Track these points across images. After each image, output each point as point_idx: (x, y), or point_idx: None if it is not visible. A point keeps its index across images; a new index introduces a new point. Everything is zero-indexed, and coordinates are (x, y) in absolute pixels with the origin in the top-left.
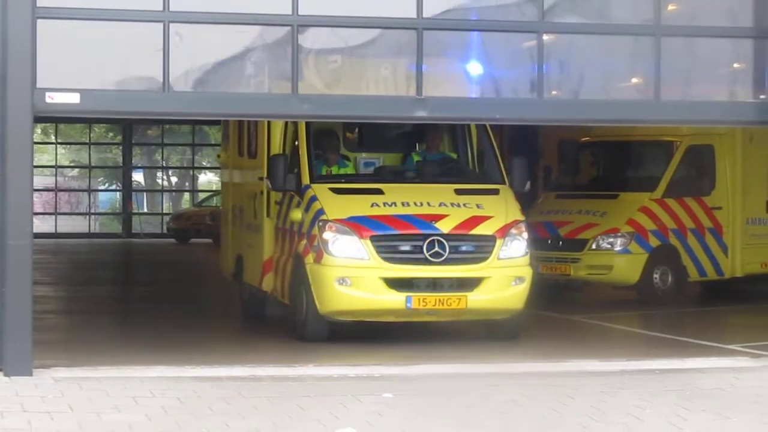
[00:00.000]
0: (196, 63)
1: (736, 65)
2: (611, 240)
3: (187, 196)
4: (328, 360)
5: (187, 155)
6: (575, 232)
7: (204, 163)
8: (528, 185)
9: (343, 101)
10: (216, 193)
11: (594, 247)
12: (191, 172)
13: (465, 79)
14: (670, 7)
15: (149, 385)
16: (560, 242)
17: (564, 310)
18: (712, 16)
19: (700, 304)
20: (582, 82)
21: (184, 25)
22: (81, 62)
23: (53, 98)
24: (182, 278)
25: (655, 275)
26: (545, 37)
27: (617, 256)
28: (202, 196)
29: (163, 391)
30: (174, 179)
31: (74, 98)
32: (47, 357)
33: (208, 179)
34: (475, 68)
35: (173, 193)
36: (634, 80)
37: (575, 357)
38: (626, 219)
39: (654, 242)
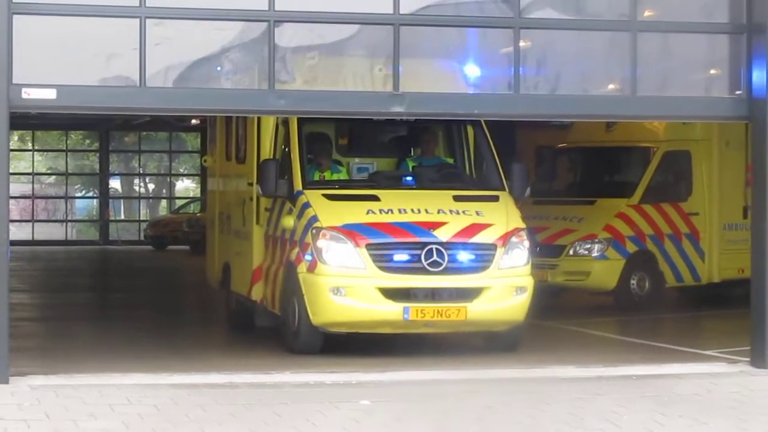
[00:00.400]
0: (172, 59)
1: (711, 61)
2: (588, 246)
3: (164, 203)
4: (304, 367)
5: (164, 162)
6: (552, 237)
7: (181, 170)
8: (528, 191)
9: (320, 97)
10: (193, 200)
11: (571, 252)
12: (168, 179)
13: (442, 75)
14: (646, 3)
15: (126, 392)
16: (537, 248)
17: (541, 316)
18: (687, 12)
19: (678, 310)
20: (559, 77)
21: (161, 21)
22: (57, 58)
23: (29, 94)
24: (159, 285)
25: (632, 281)
26: (522, 32)
27: (594, 262)
28: (179, 203)
29: (139, 399)
30: (151, 186)
31: (51, 94)
32: (24, 364)
33: (186, 186)
34: (452, 64)
35: (150, 200)
36: (611, 76)
37: (552, 363)
38: (603, 225)
39: (631, 248)
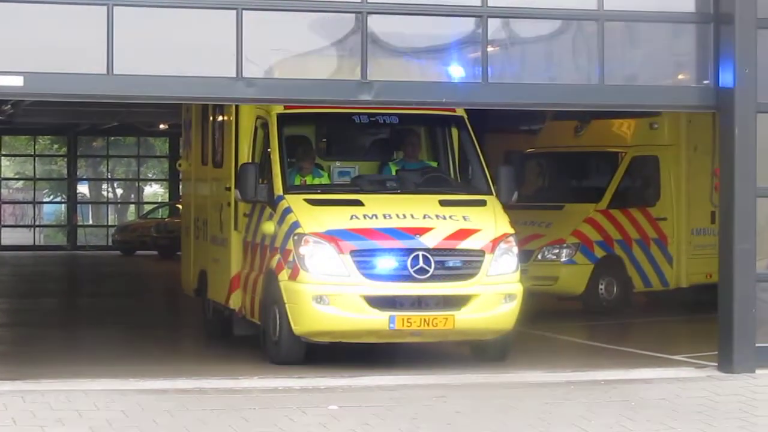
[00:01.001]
0: (140, 46)
1: (679, 51)
2: (556, 251)
3: (132, 208)
4: (273, 372)
5: (132, 167)
6: (520, 242)
7: (149, 175)
8: (516, 196)
9: (288, 85)
10: (162, 205)
11: (539, 257)
12: (137, 184)
13: (410, 64)
14: None
15: (93, 398)
16: None
17: None
18: (654, 1)
19: (646, 315)
20: (527, 66)
21: (128, 8)
22: (24, 45)
23: None
24: (127, 291)
25: (600, 286)
26: (490, 21)
27: (563, 267)
28: (147, 208)
29: (107, 404)
30: (119, 191)
31: (17, 81)
32: None
33: (154, 191)
34: (420, 53)
35: (118, 205)
36: (579, 65)
37: (521, 368)
38: (571, 230)
39: (599, 253)
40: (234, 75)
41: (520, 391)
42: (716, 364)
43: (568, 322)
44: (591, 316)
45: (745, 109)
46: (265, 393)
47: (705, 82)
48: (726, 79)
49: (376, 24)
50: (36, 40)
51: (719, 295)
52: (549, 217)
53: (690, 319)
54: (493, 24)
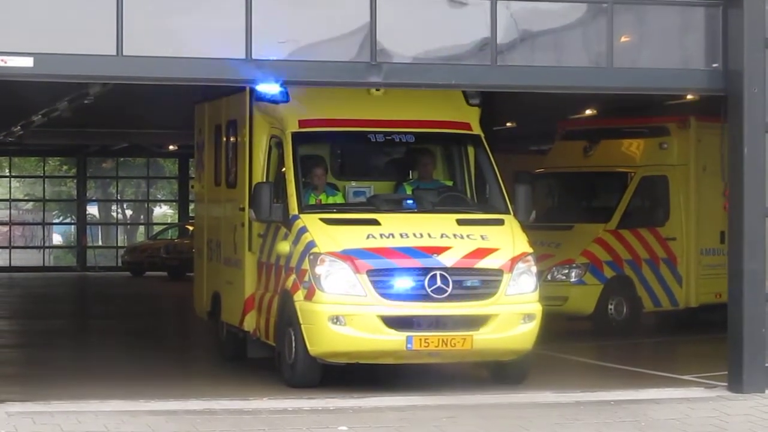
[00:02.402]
0: (149, 26)
1: (688, 34)
2: (566, 271)
3: (141, 229)
4: (283, 393)
5: (141, 188)
6: None
7: (159, 196)
8: (533, 215)
9: (297, 67)
10: (171, 225)
11: (549, 278)
12: (146, 205)
13: (419, 46)
14: None
15: (103, 419)
16: None
17: None
18: None
19: (655, 335)
20: (536, 49)
21: None
22: (34, 26)
23: (6, 62)
24: (137, 312)
25: (610, 306)
26: (500, 3)
27: (572, 287)
28: (156, 229)
29: (117, 426)
30: (129, 212)
31: (28, 62)
32: (1, 391)
33: (163, 212)
34: (429, 34)
35: (128, 226)
36: (588, 48)
37: (530, 388)
38: (581, 250)
39: (609, 273)
40: (243, 56)
41: (530, 411)
42: (726, 384)
43: (578, 342)
44: (600, 337)
45: (754, 93)
46: (274, 414)
47: (714, 65)
48: (735, 61)
49: (386, 5)
50: (46, 21)
51: (729, 314)
52: (558, 237)
53: (699, 339)
54: (503, 7)
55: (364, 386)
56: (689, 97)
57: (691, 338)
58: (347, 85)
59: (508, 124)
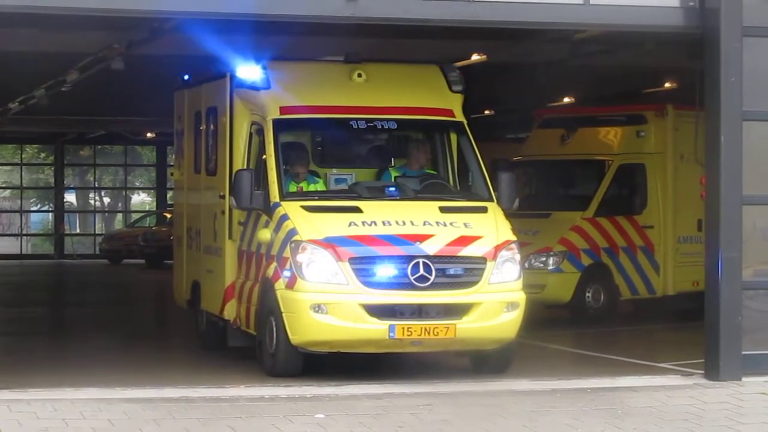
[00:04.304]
0: None
1: None
2: (543, 259)
3: (119, 216)
4: (259, 381)
5: (119, 176)
6: None
7: (136, 184)
8: (516, 203)
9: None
10: (149, 213)
11: (526, 266)
12: (124, 193)
13: None
14: None
15: (80, 406)
16: None
17: None
18: None
19: (632, 323)
20: None
21: None
22: None
23: None
24: (115, 299)
25: (587, 294)
26: None
27: (550, 275)
28: (134, 216)
29: (94, 413)
30: (106, 200)
31: None
32: None
33: (141, 200)
34: None
35: (106, 214)
36: None
37: (507, 376)
38: (558, 238)
39: (586, 261)
40: None
41: (507, 399)
42: (703, 371)
43: (555, 330)
44: (578, 324)
45: (731, 32)
46: (251, 402)
47: (690, 3)
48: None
49: None
50: None
51: (706, 302)
52: (536, 225)
53: (677, 326)
54: None
55: (340, 375)
56: (667, 84)
57: (669, 326)
58: (321, 19)
59: (486, 112)
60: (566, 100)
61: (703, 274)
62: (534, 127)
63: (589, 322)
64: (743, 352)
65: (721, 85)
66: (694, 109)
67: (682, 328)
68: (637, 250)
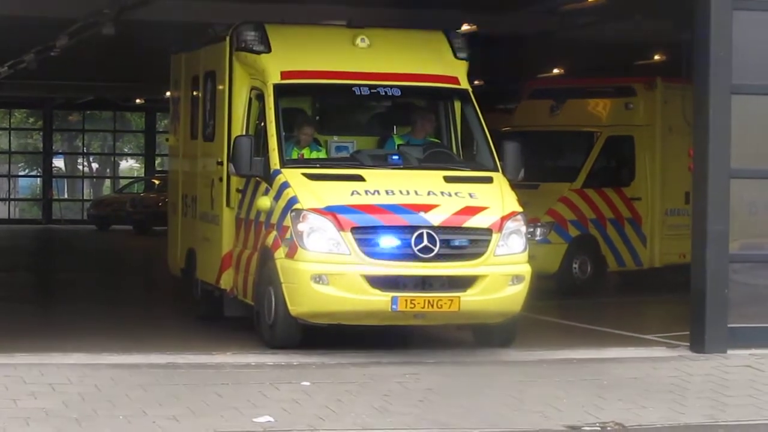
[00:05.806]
0: None
1: None
2: (531, 230)
3: (108, 182)
4: (246, 348)
5: (108, 142)
6: None
7: (125, 150)
8: (522, 173)
9: None
10: (137, 179)
11: None
12: (112, 159)
13: None
14: None
15: (66, 372)
16: None
17: None
18: None
19: (619, 295)
20: None
21: None
22: None
23: None
24: (102, 265)
25: (574, 265)
26: None
27: (537, 246)
28: (123, 182)
29: (80, 378)
30: (95, 165)
31: None
32: None
33: (130, 166)
34: None
35: (94, 180)
36: None
37: (493, 346)
38: (546, 209)
39: (573, 232)
40: None
41: (493, 369)
42: (688, 344)
43: (542, 301)
44: (564, 296)
45: (721, 4)
46: (238, 369)
47: None
48: None
49: None
50: None
51: (692, 275)
52: (523, 196)
53: (663, 299)
54: None
55: (327, 343)
56: (656, 57)
57: (655, 298)
58: None
59: (476, 82)
60: (556, 71)
61: (690, 246)
62: (523, 98)
63: (576, 294)
64: (729, 325)
65: (711, 58)
66: (682, 81)
67: (668, 300)
68: (624, 222)
